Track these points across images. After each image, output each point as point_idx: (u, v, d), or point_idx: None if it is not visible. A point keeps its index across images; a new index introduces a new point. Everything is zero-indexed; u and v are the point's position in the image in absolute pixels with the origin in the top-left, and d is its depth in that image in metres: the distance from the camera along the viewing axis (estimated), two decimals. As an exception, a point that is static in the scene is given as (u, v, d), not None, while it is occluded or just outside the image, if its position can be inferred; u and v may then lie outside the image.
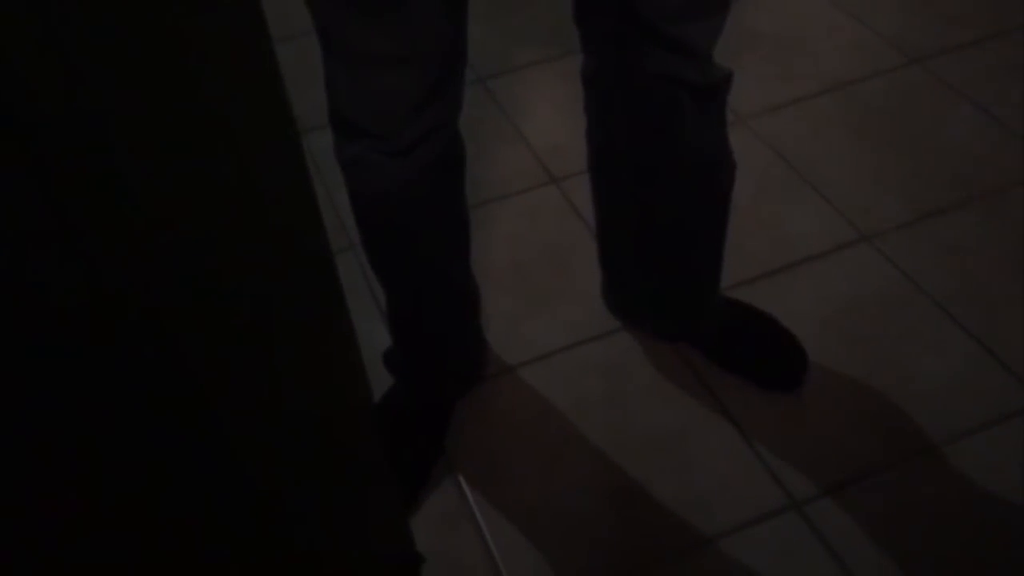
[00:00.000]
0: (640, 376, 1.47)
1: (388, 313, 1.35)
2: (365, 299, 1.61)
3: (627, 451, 1.39)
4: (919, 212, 1.67)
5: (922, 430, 1.37)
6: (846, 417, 1.40)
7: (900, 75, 1.94)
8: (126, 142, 0.60)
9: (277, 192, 0.72)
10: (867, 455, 1.35)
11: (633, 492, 1.34)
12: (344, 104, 1.10)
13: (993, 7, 2.07)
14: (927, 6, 2.09)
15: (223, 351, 0.75)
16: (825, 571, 1.24)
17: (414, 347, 1.38)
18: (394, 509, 1.14)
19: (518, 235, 1.71)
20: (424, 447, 1.39)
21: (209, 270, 0.70)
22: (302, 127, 1.99)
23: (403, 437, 1.37)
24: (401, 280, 1.28)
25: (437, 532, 1.32)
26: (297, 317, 0.80)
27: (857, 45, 2.02)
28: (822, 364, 1.46)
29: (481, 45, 2.08)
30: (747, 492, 1.32)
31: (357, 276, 1.63)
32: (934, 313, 1.52)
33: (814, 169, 1.77)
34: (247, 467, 0.85)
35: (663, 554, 1.27)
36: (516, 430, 1.43)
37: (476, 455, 1.40)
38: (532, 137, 1.89)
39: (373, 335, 1.51)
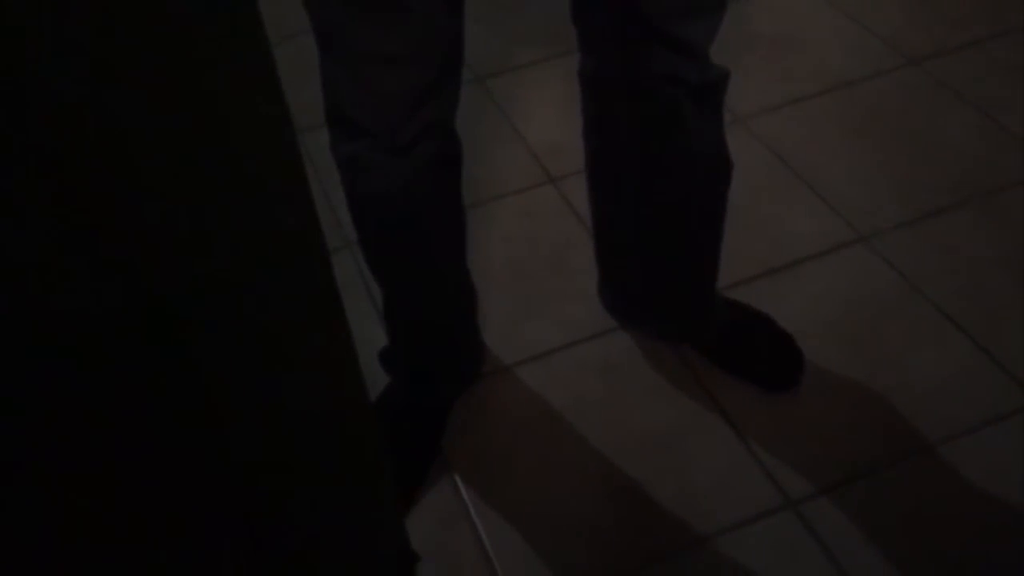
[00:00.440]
0: (637, 376, 1.47)
1: (385, 312, 1.35)
2: (361, 298, 1.61)
3: (624, 450, 1.39)
4: (917, 213, 1.67)
5: (919, 430, 1.37)
6: (842, 417, 1.40)
7: (899, 76, 1.94)
8: (122, 141, 0.60)
9: (273, 191, 0.72)
10: (863, 455, 1.35)
11: (630, 491, 1.34)
12: (342, 103, 1.10)
13: (992, 8, 2.07)
14: (926, 7, 2.09)
15: (216, 350, 0.75)
16: (821, 571, 1.24)
17: (410, 346, 1.38)
18: (390, 508, 1.14)
19: (516, 234, 1.71)
20: (420, 446, 1.39)
21: (202, 269, 0.70)
22: (298, 126, 1.99)
23: (399, 436, 1.37)
24: (398, 279, 1.28)
25: (433, 531, 1.32)
26: (292, 316, 0.80)
27: (856, 45, 2.03)
28: (819, 364, 1.46)
29: (480, 44, 2.08)
30: (743, 492, 1.32)
31: (353, 274, 1.63)
32: (931, 314, 1.52)
33: (812, 169, 1.77)
34: (241, 465, 0.85)
35: (660, 553, 1.28)
36: (513, 429, 1.43)
37: (472, 454, 1.40)
38: (530, 136, 1.89)
39: (369, 334, 1.51)
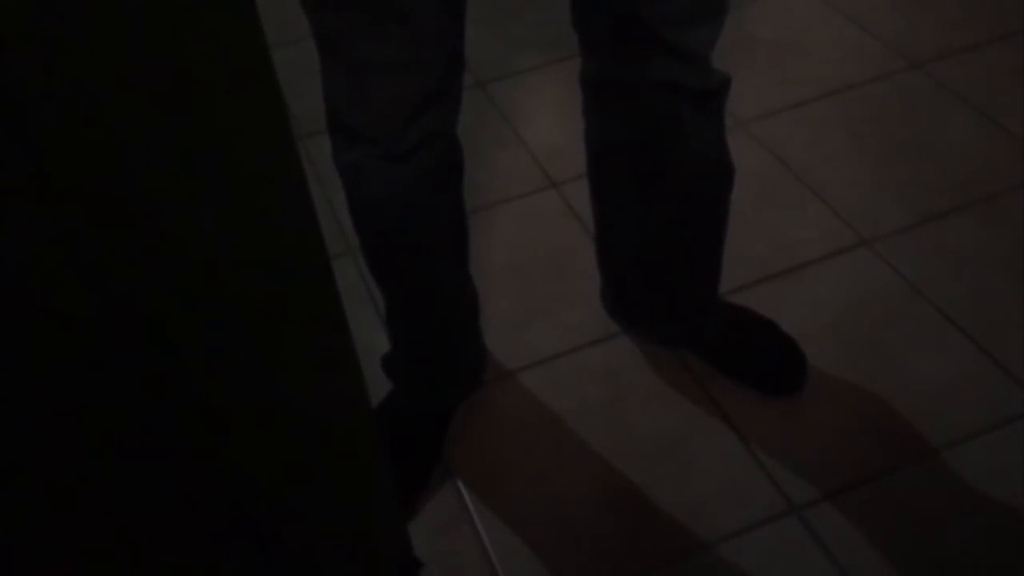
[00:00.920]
0: (639, 381, 1.47)
1: (387, 318, 1.35)
2: (364, 303, 1.61)
3: (626, 456, 1.38)
4: (919, 216, 1.67)
5: (921, 434, 1.37)
6: (845, 422, 1.39)
7: (900, 79, 1.94)
8: (123, 145, 0.60)
9: (273, 196, 0.72)
10: (866, 460, 1.35)
11: (632, 497, 1.34)
12: (343, 110, 1.10)
13: (992, 11, 2.07)
14: (926, 10, 2.09)
15: (220, 355, 0.75)
16: (825, 576, 1.24)
17: (413, 352, 1.38)
18: (392, 514, 1.13)
19: (518, 239, 1.71)
20: (422, 452, 1.39)
21: (206, 275, 0.70)
22: (301, 132, 2.01)
23: (402, 442, 1.37)
24: (400, 285, 1.28)
25: (436, 537, 1.32)
26: (293, 321, 0.80)
27: (856, 49, 2.03)
28: (821, 369, 1.45)
29: (481, 49, 2.09)
30: (746, 497, 1.32)
31: (356, 280, 1.63)
32: (934, 317, 1.52)
33: (813, 173, 1.77)
34: (245, 471, 0.85)
35: (662, 559, 1.27)
36: (515, 435, 1.43)
37: (475, 460, 1.40)
38: (532, 141, 1.89)
39: (372, 340, 1.51)
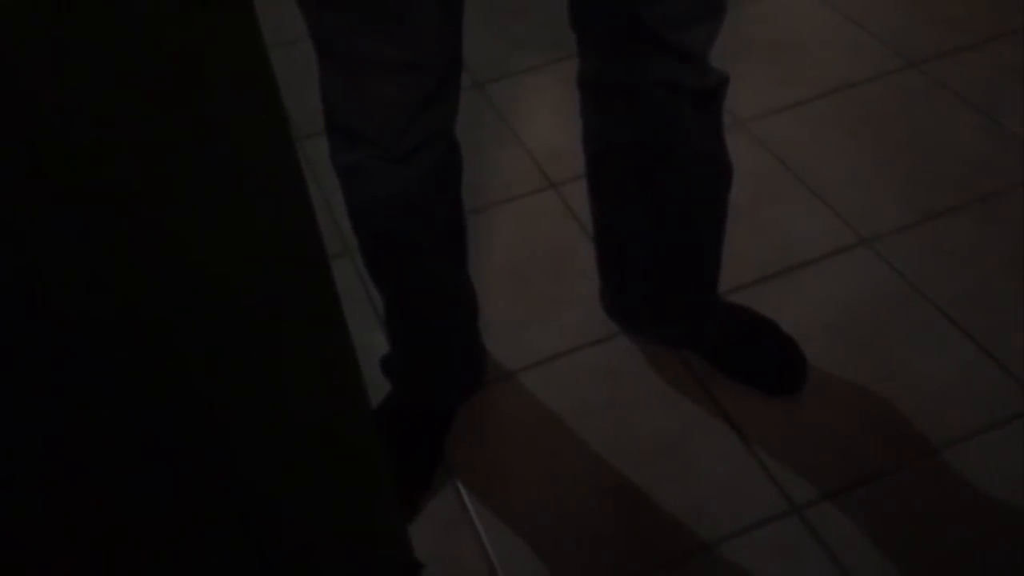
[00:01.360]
0: (640, 381, 1.47)
1: (386, 319, 1.35)
2: (363, 305, 1.60)
3: (627, 456, 1.38)
4: (918, 215, 1.67)
5: (923, 434, 1.37)
6: (846, 421, 1.39)
7: (898, 78, 1.94)
8: (121, 148, 0.60)
9: (272, 198, 0.72)
10: (868, 459, 1.34)
11: (633, 497, 1.34)
12: (341, 112, 1.10)
13: (991, 10, 2.07)
14: (925, 9, 2.09)
15: (219, 358, 0.75)
16: (826, 576, 1.23)
17: (412, 353, 1.38)
18: (393, 516, 1.13)
19: (517, 240, 1.70)
20: (423, 453, 1.39)
21: (202, 276, 0.69)
22: (299, 133, 2.00)
23: (402, 444, 1.37)
24: (399, 286, 1.28)
25: (436, 539, 1.31)
26: (293, 323, 0.79)
27: (855, 48, 2.02)
28: (822, 368, 1.45)
29: (479, 50, 2.08)
30: (748, 497, 1.32)
31: (354, 282, 1.63)
32: (934, 316, 1.51)
33: (813, 172, 1.77)
34: (244, 473, 0.85)
35: (664, 560, 1.27)
36: (516, 436, 1.42)
37: (475, 461, 1.40)
38: (530, 142, 1.89)
39: (371, 341, 1.51)
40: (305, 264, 0.78)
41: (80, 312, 0.64)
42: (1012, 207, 1.67)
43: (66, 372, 0.66)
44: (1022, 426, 1.36)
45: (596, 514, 1.32)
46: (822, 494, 1.31)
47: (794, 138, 1.83)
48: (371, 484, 1.02)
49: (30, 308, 0.61)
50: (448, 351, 1.39)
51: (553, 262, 1.66)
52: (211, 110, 0.63)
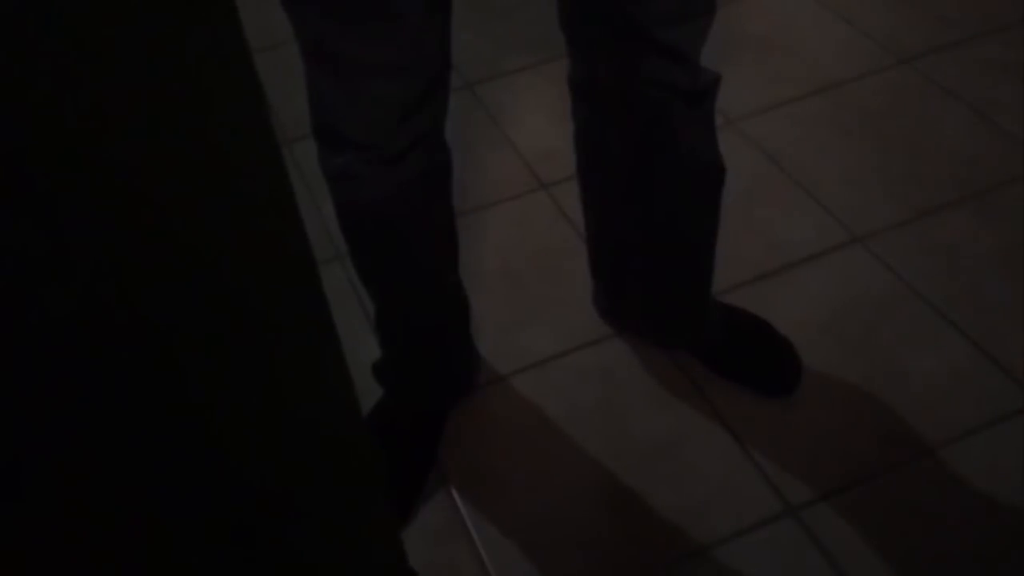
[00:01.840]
0: (634, 383, 1.46)
1: (377, 322, 1.34)
2: (353, 310, 1.59)
3: (622, 459, 1.37)
4: (911, 212, 1.66)
5: (919, 433, 1.36)
6: (842, 421, 1.38)
7: (890, 75, 1.93)
8: (97, 151, 0.59)
9: (257, 201, 0.71)
10: (864, 459, 1.34)
11: (628, 500, 1.33)
12: (330, 115, 1.08)
13: (982, 6, 2.06)
14: (916, 6, 2.09)
15: (205, 363, 0.74)
16: (823, 578, 1.22)
17: (404, 358, 1.36)
18: (386, 523, 1.12)
19: (508, 242, 1.69)
20: (415, 459, 1.38)
21: (184, 280, 0.68)
22: (287, 137, 1.99)
23: (394, 449, 1.36)
24: (390, 290, 1.27)
25: (430, 545, 1.30)
26: (281, 329, 0.78)
27: (846, 46, 2.02)
28: (817, 368, 1.44)
29: (469, 51, 2.07)
30: (743, 498, 1.31)
31: (344, 286, 1.62)
32: (929, 314, 1.51)
33: (805, 171, 1.76)
34: (232, 482, 0.84)
35: (659, 563, 1.26)
36: (509, 440, 1.41)
37: (469, 466, 1.39)
38: (521, 143, 1.88)
39: (361, 346, 1.50)
40: (292, 269, 0.77)
41: (68, 315, 0.63)
42: (1006, 204, 1.66)
43: (54, 379, 0.65)
44: (1019, 424, 1.35)
45: (591, 518, 1.31)
46: (818, 495, 1.30)
47: (786, 137, 1.83)
48: (362, 492, 1.01)
49: (20, 312, 0.60)
50: (440, 353, 1.38)
51: (545, 263, 1.65)
52: (194, 114, 0.62)
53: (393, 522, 1.16)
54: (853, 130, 1.83)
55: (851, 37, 2.04)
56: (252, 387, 0.79)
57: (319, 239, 1.64)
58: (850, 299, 1.54)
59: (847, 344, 1.48)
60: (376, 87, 1.04)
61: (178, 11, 0.58)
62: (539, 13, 2.17)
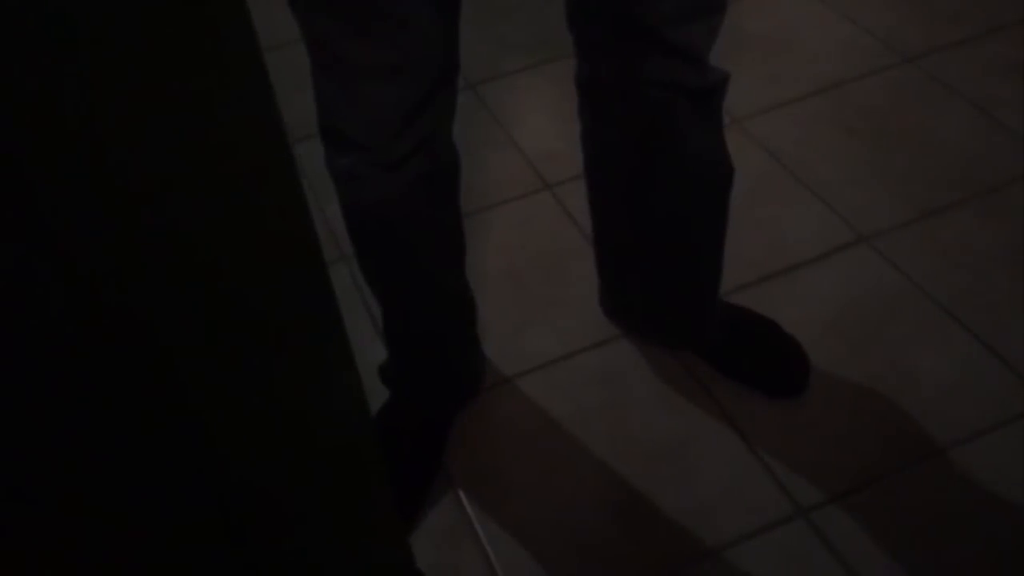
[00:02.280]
0: (641, 384, 1.45)
1: (384, 325, 1.33)
2: (358, 311, 1.58)
3: (629, 461, 1.36)
4: (917, 211, 1.66)
5: (927, 433, 1.35)
6: (850, 422, 1.38)
7: (893, 74, 1.93)
8: (113, 146, 0.58)
9: (267, 202, 0.70)
10: (873, 460, 1.33)
11: (636, 503, 1.32)
12: (336, 117, 1.07)
13: (985, 5, 2.06)
14: (919, 5, 2.08)
15: (213, 365, 0.73)
16: (834, 580, 1.22)
17: (410, 360, 1.35)
18: (393, 525, 1.11)
19: (512, 243, 1.69)
20: (421, 461, 1.37)
21: (199, 283, 0.68)
22: (292, 137, 1.97)
23: (400, 451, 1.35)
24: (396, 292, 1.26)
25: (438, 548, 1.29)
26: (290, 329, 0.78)
27: (850, 45, 2.01)
28: (824, 368, 1.44)
29: (470, 51, 2.06)
30: (752, 500, 1.30)
31: (349, 287, 1.61)
32: (936, 314, 1.50)
33: (809, 170, 1.75)
34: (238, 486, 0.83)
35: (668, 565, 1.25)
36: (515, 442, 1.40)
37: (475, 468, 1.38)
38: (524, 143, 1.87)
39: (367, 347, 1.49)
40: (302, 269, 0.76)
41: (71, 321, 0.62)
42: (1011, 202, 1.66)
43: (55, 382, 0.64)
44: (1027, 424, 1.35)
45: (599, 520, 1.31)
46: (828, 496, 1.29)
47: (789, 136, 1.82)
48: (369, 492, 1.01)
49: (21, 313, 0.60)
50: (446, 355, 1.37)
51: (550, 264, 1.64)
52: (204, 112, 0.62)
53: (400, 524, 1.16)
54: (856, 129, 1.82)
55: (854, 36, 2.03)
56: (259, 389, 0.78)
57: (323, 240, 1.63)
58: (856, 298, 1.53)
59: (854, 344, 1.47)
60: (379, 90, 1.03)
61: (188, 10, 0.57)
62: (541, 13, 2.16)
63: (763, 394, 1.41)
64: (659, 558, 1.26)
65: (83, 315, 0.62)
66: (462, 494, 1.35)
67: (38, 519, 0.71)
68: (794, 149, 1.79)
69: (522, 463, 1.38)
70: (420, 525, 1.32)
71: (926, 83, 1.90)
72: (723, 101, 1.18)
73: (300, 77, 1.11)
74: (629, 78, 1.12)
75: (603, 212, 1.35)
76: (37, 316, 0.61)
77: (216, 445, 0.78)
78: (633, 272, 1.38)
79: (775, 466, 1.34)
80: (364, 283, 1.29)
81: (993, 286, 1.53)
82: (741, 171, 1.43)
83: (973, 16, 2.04)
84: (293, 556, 0.94)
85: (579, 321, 1.54)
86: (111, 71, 0.55)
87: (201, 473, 0.78)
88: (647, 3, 1.03)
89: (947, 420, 1.36)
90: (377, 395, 1.39)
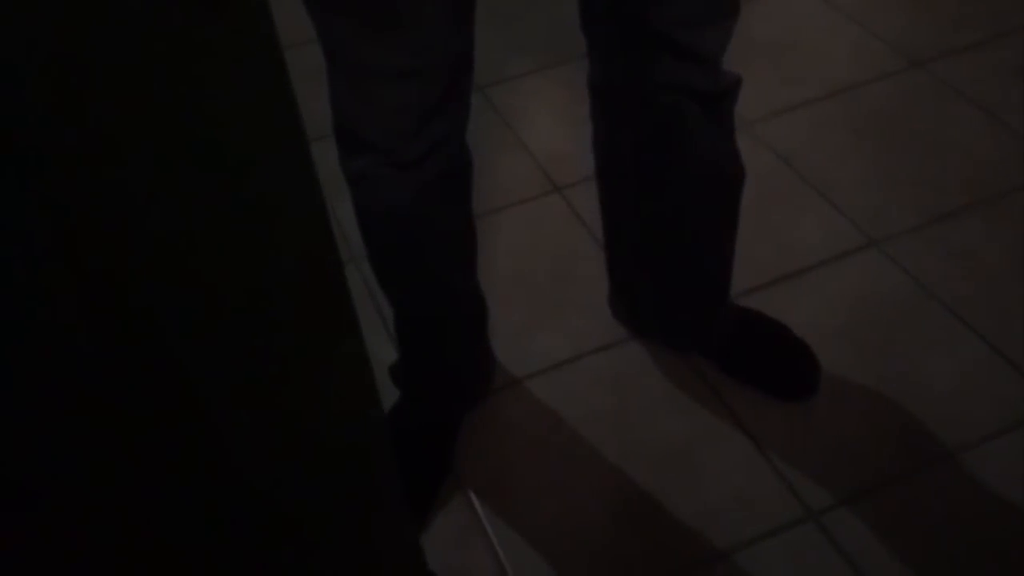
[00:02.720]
0: (650, 387, 1.45)
1: (396, 327, 1.33)
2: (369, 313, 1.59)
3: (639, 463, 1.36)
4: (927, 216, 1.66)
5: (937, 436, 1.35)
6: (860, 425, 1.38)
7: (903, 78, 1.93)
8: (128, 151, 0.58)
9: (286, 205, 0.71)
10: (883, 463, 1.33)
11: (645, 505, 1.32)
12: (350, 118, 1.08)
13: (995, 9, 2.06)
14: (929, 9, 2.08)
15: (228, 366, 0.73)
16: (844, 583, 1.22)
17: (421, 361, 1.36)
18: (405, 527, 1.11)
19: (522, 245, 1.69)
20: (432, 462, 1.37)
21: (216, 285, 0.68)
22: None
23: (411, 453, 1.35)
24: (409, 294, 1.26)
25: (449, 549, 1.29)
26: (306, 331, 0.78)
27: (859, 49, 2.01)
28: (834, 372, 1.44)
29: (479, 54, 2.06)
30: (762, 504, 1.30)
31: (360, 289, 1.61)
32: (946, 317, 1.50)
33: (819, 174, 1.75)
34: (252, 486, 0.83)
35: (678, 568, 1.25)
36: (525, 444, 1.40)
37: (485, 470, 1.38)
38: (533, 145, 1.87)
39: (378, 349, 1.49)
40: (319, 270, 0.76)
41: (79, 322, 0.62)
42: (1020, 206, 1.65)
43: (63, 381, 0.65)
44: (1037, 428, 1.35)
45: (609, 522, 1.31)
46: (838, 499, 1.29)
47: (799, 140, 1.82)
48: (382, 495, 1.01)
49: (26, 314, 0.60)
50: (457, 357, 1.37)
51: (559, 267, 1.64)
52: (224, 112, 0.62)
53: (412, 527, 1.16)
54: (866, 133, 1.83)
55: (863, 40, 2.03)
56: (272, 393, 0.78)
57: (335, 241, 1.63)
58: (866, 302, 1.53)
59: (864, 347, 1.47)
60: (395, 92, 1.03)
61: (209, 7, 0.57)
62: (550, 15, 2.16)
63: (773, 397, 1.41)
64: (669, 560, 1.26)
65: (89, 315, 0.62)
66: (472, 495, 1.35)
67: (39, 519, 0.71)
68: (804, 152, 1.80)
69: (532, 465, 1.38)
70: (431, 526, 1.32)
71: (935, 87, 1.90)
72: (735, 105, 1.18)
73: (313, 77, 1.11)
74: (641, 81, 1.12)
75: (614, 214, 1.35)
76: (39, 316, 0.61)
77: (225, 445, 0.78)
78: (643, 274, 1.39)
79: (785, 469, 1.34)
80: (375, 284, 1.29)
81: (1002, 290, 1.53)
82: (751, 174, 1.43)
83: (982, 20, 2.04)
84: (305, 556, 0.94)
85: (589, 323, 1.54)
86: (126, 67, 0.55)
87: (211, 474, 0.78)
88: (660, 7, 1.04)
89: (956, 423, 1.36)
90: (387, 396, 1.40)
